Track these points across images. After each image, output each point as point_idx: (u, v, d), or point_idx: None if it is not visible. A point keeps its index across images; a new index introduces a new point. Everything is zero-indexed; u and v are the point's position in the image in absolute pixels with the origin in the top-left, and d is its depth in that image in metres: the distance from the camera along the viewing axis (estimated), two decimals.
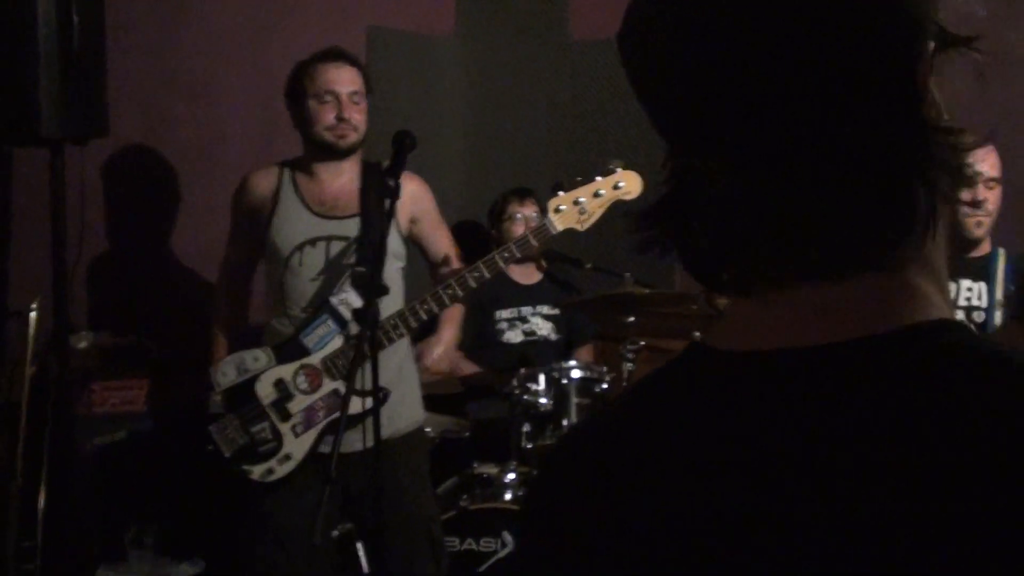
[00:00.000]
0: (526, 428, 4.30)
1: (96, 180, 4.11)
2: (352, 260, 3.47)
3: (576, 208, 3.44)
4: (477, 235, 5.23)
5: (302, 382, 3.33)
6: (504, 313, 4.99)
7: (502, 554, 3.95)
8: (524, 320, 5.00)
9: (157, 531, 3.77)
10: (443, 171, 5.47)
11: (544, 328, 5.00)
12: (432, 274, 3.90)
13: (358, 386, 3.09)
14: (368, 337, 2.94)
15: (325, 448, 3.30)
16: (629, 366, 4.26)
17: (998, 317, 3.23)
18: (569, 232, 5.41)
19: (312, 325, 3.38)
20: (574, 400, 4.31)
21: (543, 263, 5.08)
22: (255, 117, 4.09)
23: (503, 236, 5.02)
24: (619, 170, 3.47)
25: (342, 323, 3.36)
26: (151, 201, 4.31)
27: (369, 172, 3.55)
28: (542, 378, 4.31)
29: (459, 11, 5.55)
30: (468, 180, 5.56)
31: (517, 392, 4.23)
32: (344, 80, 3.46)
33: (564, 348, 5.04)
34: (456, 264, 3.82)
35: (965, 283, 3.27)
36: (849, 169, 0.79)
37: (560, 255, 5.11)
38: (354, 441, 3.25)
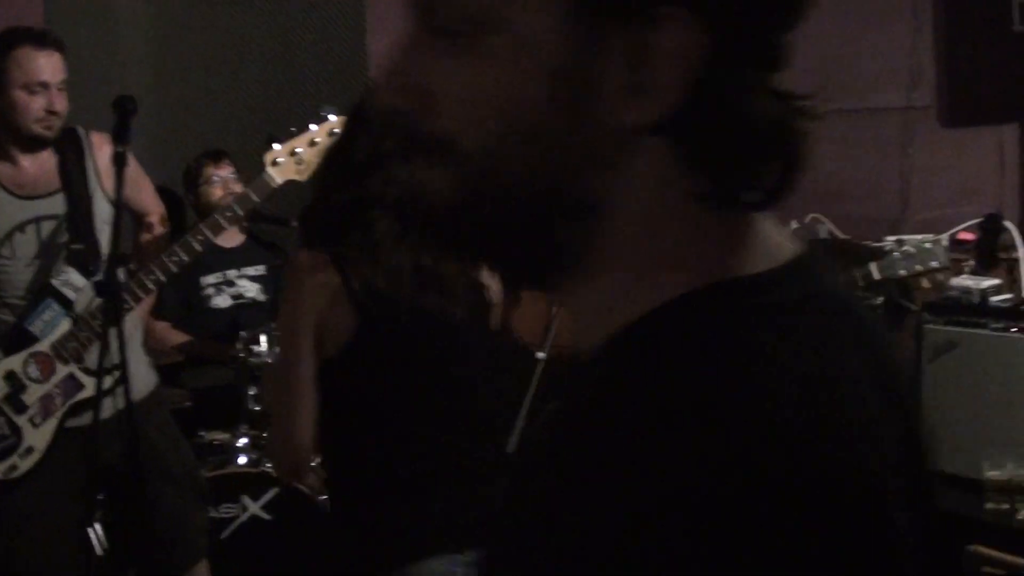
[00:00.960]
0: (252, 391, 4.28)
1: None
2: (65, 238, 3.34)
3: (293, 159, 3.44)
4: (171, 199, 5.10)
5: (33, 371, 3.20)
6: (209, 279, 4.90)
7: (244, 518, 3.94)
8: (231, 284, 4.93)
9: None
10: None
11: (252, 290, 4.96)
12: (138, 233, 3.80)
13: (93, 365, 3.05)
14: (111, 312, 2.87)
15: (72, 422, 3.19)
16: None
17: None
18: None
19: (36, 311, 3.25)
20: None
21: (245, 224, 5.02)
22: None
23: (201, 200, 4.94)
24: (333, 117, 3.48)
25: (67, 304, 3.25)
26: None
27: (65, 143, 3.41)
28: (263, 339, 4.29)
29: None
30: (155, 143, 5.40)
31: (242, 356, 4.19)
32: (54, 68, 3.33)
33: (274, 308, 5.02)
34: (158, 221, 3.74)
35: None
36: None
37: (264, 215, 5.07)
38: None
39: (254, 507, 3.96)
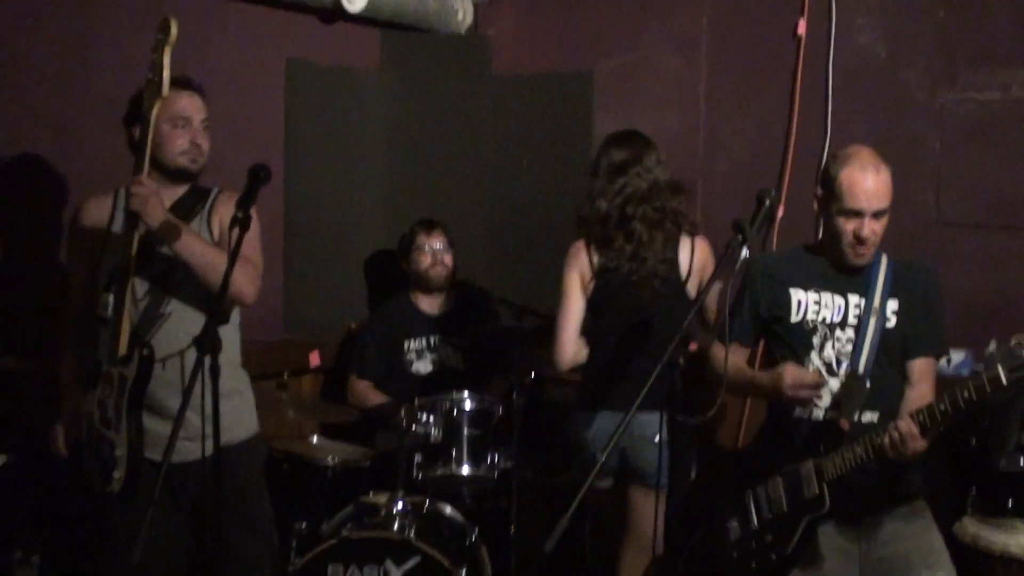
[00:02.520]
0: (417, 458, 4.38)
1: (6, 196, 4.19)
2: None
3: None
4: (393, 266, 5.32)
5: (106, 388, 3.40)
6: (413, 343, 5.07)
7: None
8: (433, 350, 5.08)
9: (43, 552, 3.86)
10: (362, 204, 5.59)
11: (454, 358, 5.08)
12: None
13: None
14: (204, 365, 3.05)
15: (155, 456, 3.39)
16: (519, 399, 4.34)
17: (871, 325, 3.29)
18: (479, 264, 5.57)
19: (99, 342, 3.46)
20: (465, 431, 4.39)
21: (452, 294, 5.17)
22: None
23: (411, 266, 5.13)
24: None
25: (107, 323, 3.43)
26: (59, 221, 4.37)
27: (194, 193, 3.63)
28: (431, 409, 4.39)
29: (384, 46, 5.66)
30: (387, 212, 5.66)
31: (404, 424, 4.30)
32: (196, 107, 3.58)
33: (476, 378, 5.12)
34: None
35: (853, 298, 3.33)
36: None
37: (470, 285, 5.21)
38: (193, 450, 3.39)
39: (396, 572, 4.04)
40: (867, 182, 3.23)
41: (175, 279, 3.49)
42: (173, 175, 3.55)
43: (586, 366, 4.17)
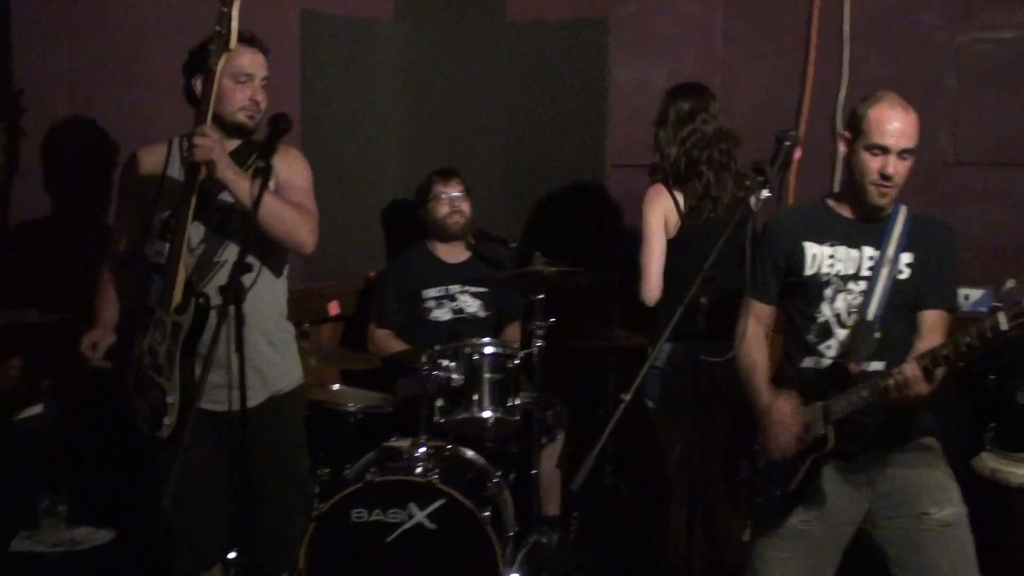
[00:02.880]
0: (439, 403, 4.42)
1: (25, 161, 4.21)
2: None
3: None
4: (411, 215, 5.34)
5: (158, 335, 3.44)
6: (432, 292, 5.09)
7: (408, 525, 4.08)
8: (452, 298, 5.10)
9: (69, 501, 3.91)
10: (379, 153, 5.60)
11: (472, 306, 5.11)
12: None
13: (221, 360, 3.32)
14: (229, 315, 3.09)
15: (209, 405, 3.44)
16: (539, 343, 4.38)
17: (883, 275, 3.31)
18: (495, 211, 5.59)
19: (152, 289, 3.49)
20: (486, 375, 4.42)
21: (471, 241, 5.19)
22: (184, 100, 4.17)
23: (429, 215, 5.15)
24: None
25: (161, 270, 3.44)
26: (81, 183, 4.40)
27: (247, 147, 3.63)
28: (452, 354, 4.43)
29: None
30: (404, 162, 5.67)
31: (427, 369, 4.34)
32: (259, 65, 3.59)
33: (494, 325, 5.17)
34: None
35: (867, 251, 3.34)
36: None
37: (487, 234, 5.22)
38: (237, 399, 3.40)
39: (420, 515, 4.09)
40: (895, 120, 3.27)
41: (231, 228, 3.52)
42: (230, 129, 3.56)
43: (665, 301, 4.25)
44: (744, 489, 3.53)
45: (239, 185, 3.34)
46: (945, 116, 4.76)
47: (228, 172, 3.33)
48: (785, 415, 3.33)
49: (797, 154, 4.87)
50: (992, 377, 4.10)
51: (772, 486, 3.41)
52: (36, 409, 3.96)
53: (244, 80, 3.53)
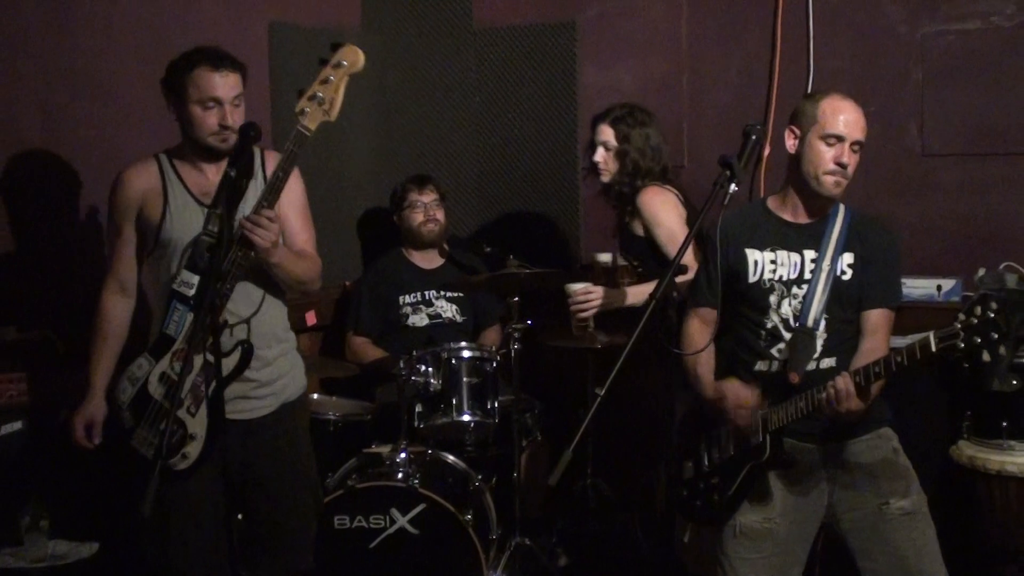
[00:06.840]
0: (418, 408, 4.43)
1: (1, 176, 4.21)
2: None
3: (315, 102, 3.50)
4: (386, 222, 5.35)
5: (178, 367, 3.43)
6: (408, 298, 5.11)
7: (391, 530, 4.10)
8: (429, 303, 5.12)
9: (51, 516, 3.89)
10: (351, 161, 5.60)
11: (449, 311, 5.12)
12: None
13: (224, 348, 3.38)
14: (209, 309, 3.17)
15: (231, 415, 3.44)
16: (516, 346, 4.39)
17: (822, 277, 3.34)
18: (468, 216, 5.61)
19: (168, 315, 3.49)
20: (464, 379, 4.44)
21: (445, 247, 5.21)
22: (155, 114, 4.13)
23: (404, 223, 5.17)
24: (336, 50, 3.53)
25: (187, 301, 3.47)
26: (55, 201, 4.38)
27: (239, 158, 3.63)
28: (430, 359, 4.44)
29: (365, 4, 5.67)
30: (376, 169, 5.68)
31: (405, 374, 4.35)
32: (228, 86, 3.54)
33: (471, 330, 5.18)
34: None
35: (808, 254, 3.36)
36: None
37: (460, 239, 5.24)
38: (254, 408, 3.55)
39: (402, 520, 4.11)
40: (849, 111, 3.32)
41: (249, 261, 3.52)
42: (203, 153, 3.57)
43: None
44: (686, 491, 3.55)
45: (279, 259, 3.47)
46: (912, 108, 4.80)
47: (281, 254, 3.48)
48: (739, 394, 3.34)
49: (766, 151, 4.90)
50: (966, 366, 4.13)
51: (711, 491, 3.44)
52: (16, 425, 3.95)
53: (212, 106, 3.49)
